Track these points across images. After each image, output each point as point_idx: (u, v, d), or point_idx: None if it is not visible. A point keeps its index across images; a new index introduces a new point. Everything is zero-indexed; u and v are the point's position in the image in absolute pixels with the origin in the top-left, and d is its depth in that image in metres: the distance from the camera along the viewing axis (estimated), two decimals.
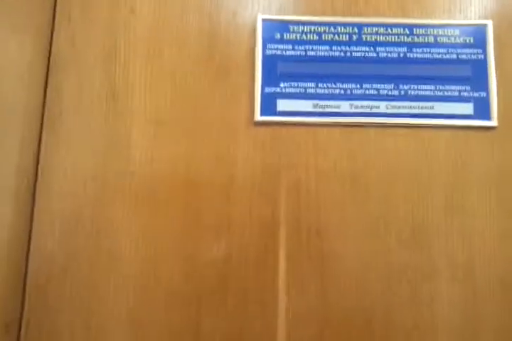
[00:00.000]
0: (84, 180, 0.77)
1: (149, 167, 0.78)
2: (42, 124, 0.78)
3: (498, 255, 0.76)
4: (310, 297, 0.75)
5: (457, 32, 0.80)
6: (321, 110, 0.79)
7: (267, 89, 0.79)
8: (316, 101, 0.79)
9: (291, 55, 0.80)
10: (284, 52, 0.80)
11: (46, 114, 0.79)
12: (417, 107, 0.79)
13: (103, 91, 0.79)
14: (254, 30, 0.81)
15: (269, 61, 0.80)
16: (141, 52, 0.81)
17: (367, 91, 0.79)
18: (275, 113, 0.79)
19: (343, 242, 0.76)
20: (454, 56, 0.80)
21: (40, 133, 0.78)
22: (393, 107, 0.79)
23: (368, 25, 0.81)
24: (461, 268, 0.76)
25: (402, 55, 0.80)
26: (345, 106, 0.79)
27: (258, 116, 0.78)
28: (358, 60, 0.80)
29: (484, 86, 0.79)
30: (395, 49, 0.80)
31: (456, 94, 0.79)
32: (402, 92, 0.79)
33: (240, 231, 0.76)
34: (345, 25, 0.81)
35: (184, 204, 0.77)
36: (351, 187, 0.78)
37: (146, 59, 0.80)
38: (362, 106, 0.79)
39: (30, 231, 0.75)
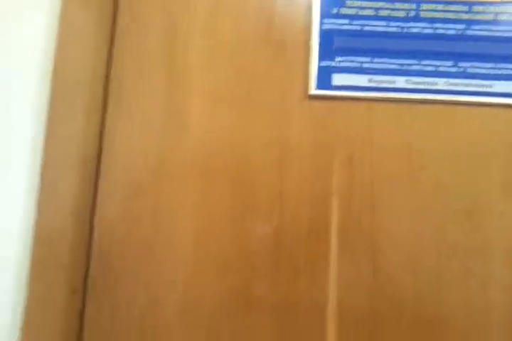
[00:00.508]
0: (145, 151, 0.78)
1: (206, 140, 0.78)
2: (106, 96, 0.80)
3: None
4: (361, 269, 0.74)
5: None
6: (376, 85, 0.78)
7: (323, 63, 0.79)
8: (371, 76, 0.79)
9: (348, 30, 0.80)
10: (340, 26, 0.80)
11: (110, 86, 0.80)
12: (475, 85, 0.78)
13: (163, 66, 0.80)
14: (310, 5, 0.81)
15: (325, 36, 0.80)
16: (200, 29, 0.82)
17: (424, 68, 0.78)
18: (330, 87, 0.79)
19: (396, 218, 0.76)
20: None
21: (104, 105, 0.80)
22: (451, 84, 0.78)
23: (425, 1, 0.80)
24: None
25: (460, 32, 0.79)
26: (400, 81, 0.78)
27: (313, 90, 0.78)
28: (415, 36, 0.79)
29: None
30: (453, 26, 0.79)
31: None
32: (461, 70, 0.78)
33: (293, 204, 0.76)
34: (402, 1, 0.80)
35: (238, 177, 0.77)
36: (406, 163, 0.77)
37: (204, 35, 0.81)
38: (419, 83, 0.78)
39: (95, 199, 0.77)
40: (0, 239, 0.73)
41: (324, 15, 0.80)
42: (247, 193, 0.77)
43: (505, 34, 0.79)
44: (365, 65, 0.79)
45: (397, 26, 0.80)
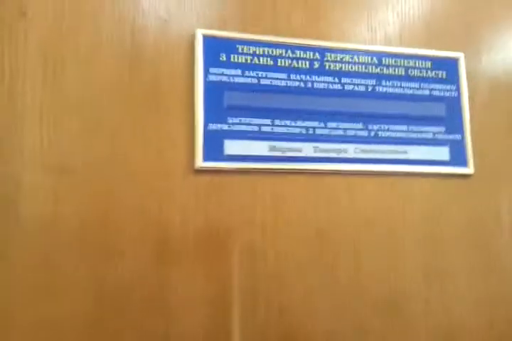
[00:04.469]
0: None
1: (42, 225, 0.55)
2: None
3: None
4: None
5: (429, 64, 0.70)
6: (279, 154, 0.63)
7: (211, 126, 0.61)
8: (272, 143, 0.63)
9: (241, 83, 0.63)
10: (231, 78, 0.63)
11: None
12: (388, 152, 0.66)
13: None
14: (192, 48, 0.62)
15: (212, 89, 0.61)
16: (35, 70, 0.58)
17: (332, 132, 0.65)
18: (222, 157, 0.61)
19: (312, 317, 0.62)
20: (427, 92, 0.69)
21: None
22: (362, 151, 0.65)
23: (331, 50, 0.66)
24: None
25: (370, 88, 0.67)
26: (308, 149, 0.64)
27: (200, 162, 0.60)
28: (320, 92, 0.65)
29: (459, 127, 0.70)
30: (363, 81, 0.67)
31: (431, 136, 0.68)
32: (372, 133, 0.66)
33: (181, 313, 0.57)
34: (304, 49, 0.66)
35: (106, 278, 0.56)
36: (319, 247, 0.63)
37: (41, 79, 0.57)
38: (327, 150, 0.64)
39: None
40: None
41: (210, 62, 0.62)
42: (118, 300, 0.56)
43: (418, 92, 0.69)
44: (265, 129, 0.63)
45: (300, 80, 0.65)
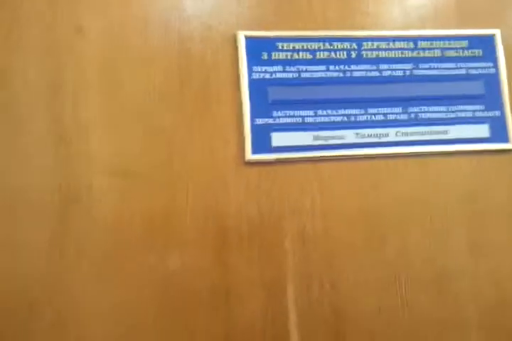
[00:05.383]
0: None
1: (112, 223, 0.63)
2: None
3: None
4: None
5: (464, 44, 0.71)
6: (323, 142, 0.67)
7: (258, 121, 0.66)
8: (316, 133, 0.67)
9: (283, 78, 0.67)
10: (273, 75, 0.67)
11: None
12: (429, 133, 0.69)
13: (50, 135, 0.63)
14: (235, 50, 0.67)
15: (256, 86, 0.66)
16: (94, 82, 0.64)
17: (373, 117, 0.68)
18: (270, 149, 0.66)
19: (360, 294, 0.66)
20: (464, 71, 0.71)
21: None
22: (404, 134, 0.68)
23: (367, 39, 0.69)
24: None
25: (407, 72, 0.70)
26: (350, 136, 0.67)
27: (249, 155, 0.65)
28: (359, 80, 0.69)
29: (498, 104, 0.71)
30: (400, 66, 0.70)
31: (470, 114, 0.70)
32: (412, 116, 0.69)
33: (241, 295, 0.64)
34: (341, 40, 0.69)
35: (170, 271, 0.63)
36: (366, 228, 0.67)
37: (102, 91, 0.64)
38: (369, 135, 0.68)
39: None
40: None
41: (253, 61, 0.66)
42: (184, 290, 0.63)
43: (455, 72, 0.71)
44: (308, 120, 0.67)
45: (339, 70, 0.68)
